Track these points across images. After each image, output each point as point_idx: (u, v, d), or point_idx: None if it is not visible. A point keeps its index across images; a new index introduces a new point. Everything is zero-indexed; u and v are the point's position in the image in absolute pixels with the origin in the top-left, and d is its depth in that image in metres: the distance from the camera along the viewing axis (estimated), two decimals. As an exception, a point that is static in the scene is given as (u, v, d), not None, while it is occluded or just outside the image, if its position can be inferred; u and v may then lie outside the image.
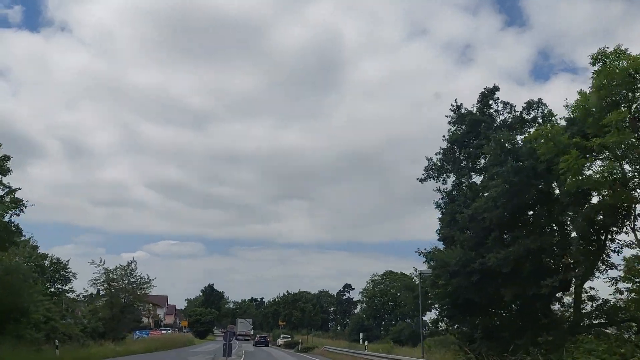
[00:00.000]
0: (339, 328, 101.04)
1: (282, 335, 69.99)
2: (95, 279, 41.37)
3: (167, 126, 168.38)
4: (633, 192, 15.08)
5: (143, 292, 46.24)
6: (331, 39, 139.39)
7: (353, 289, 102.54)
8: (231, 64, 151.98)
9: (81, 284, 77.10)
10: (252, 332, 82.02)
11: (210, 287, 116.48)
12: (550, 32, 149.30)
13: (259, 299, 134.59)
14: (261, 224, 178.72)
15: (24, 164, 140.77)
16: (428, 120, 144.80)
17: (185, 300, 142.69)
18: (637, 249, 15.56)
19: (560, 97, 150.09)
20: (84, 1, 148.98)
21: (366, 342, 38.74)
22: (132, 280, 45.21)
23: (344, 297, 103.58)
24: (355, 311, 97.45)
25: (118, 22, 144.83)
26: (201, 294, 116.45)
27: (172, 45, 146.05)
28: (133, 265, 45.29)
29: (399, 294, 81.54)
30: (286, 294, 78.80)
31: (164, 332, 76.88)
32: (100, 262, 41.70)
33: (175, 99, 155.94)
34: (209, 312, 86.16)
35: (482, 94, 21.20)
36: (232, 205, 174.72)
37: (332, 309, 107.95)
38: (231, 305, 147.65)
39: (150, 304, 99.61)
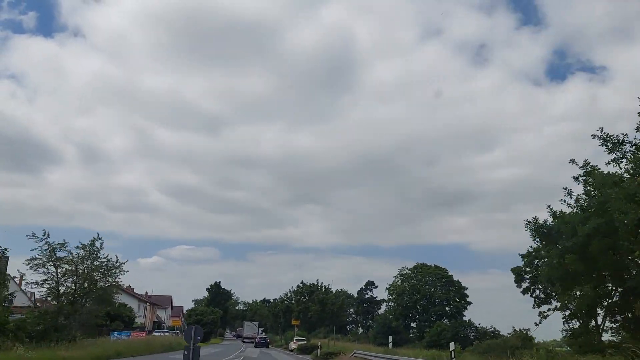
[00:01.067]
0: (360, 330, 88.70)
1: (295, 338, 58.01)
2: (35, 258, 29.92)
3: (181, 130, 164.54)
4: None
5: (110, 278, 34.71)
6: (344, 41, 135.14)
7: (376, 286, 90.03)
8: (244, 67, 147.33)
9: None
10: (259, 335, 77.60)
11: (217, 285, 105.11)
12: (566, 31, 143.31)
13: (271, 300, 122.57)
14: (276, 229, 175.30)
15: (40, 169, 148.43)
16: (443, 122, 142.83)
17: (193, 301, 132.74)
18: None
19: (578, 97, 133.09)
20: (97, 6, 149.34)
21: (453, 345, 24.53)
22: (96, 264, 33.90)
23: (366, 296, 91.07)
24: (380, 311, 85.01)
25: (131, 26, 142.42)
26: (207, 293, 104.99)
27: (184, 49, 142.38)
28: (98, 243, 33.92)
29: (433, 289, 69.34)
30: (300, 285, 63.50)
31: (158, 334, 65.87)
32: (44, 235, 30.36)
33: (188, 103, 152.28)
34: (212, 311, 74.38)
35: None
36: (247, 210, 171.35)
37: (351, 310, 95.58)
38: (241, 307, 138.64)
39: (147, 303, 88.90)
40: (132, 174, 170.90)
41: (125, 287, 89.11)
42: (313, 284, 56.40)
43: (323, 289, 53.27)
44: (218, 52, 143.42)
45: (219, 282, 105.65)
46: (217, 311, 76.68)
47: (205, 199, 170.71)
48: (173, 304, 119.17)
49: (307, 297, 54.78)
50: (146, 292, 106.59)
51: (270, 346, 71.72)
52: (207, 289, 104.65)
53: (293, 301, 59.43)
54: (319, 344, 42.24)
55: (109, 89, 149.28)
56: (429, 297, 68.99)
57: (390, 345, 59.39)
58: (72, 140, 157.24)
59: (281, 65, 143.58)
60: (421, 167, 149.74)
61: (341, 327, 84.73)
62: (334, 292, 56.87)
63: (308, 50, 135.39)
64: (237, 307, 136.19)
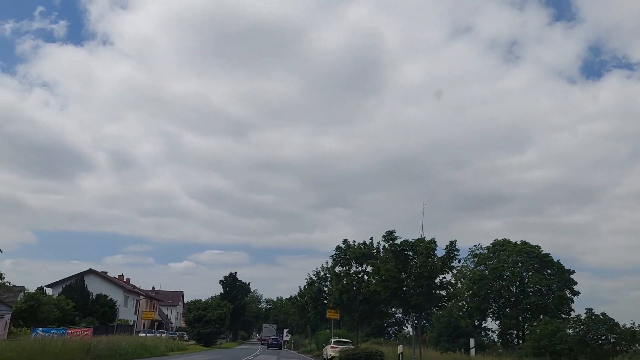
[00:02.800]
0: (410, 332, 69.20)
1: (332, 341, 38.10)
2: None
3: (208, 135, 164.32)
4: None
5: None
6: (370, 41, 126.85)
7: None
8: (269, 70, 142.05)
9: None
10: (273, 336, 73.40)
11: (232, 276, 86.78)
12: (602, 26, 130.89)
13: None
14: (304, 232, 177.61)
15: (73, 176, 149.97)
16: (472, 122, 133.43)
17: (209, 298, 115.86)
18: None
19: (614, 95, 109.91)
20: (124, 13, 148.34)
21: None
22: None
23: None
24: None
25: (157, 32, 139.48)
26: (221, 286, 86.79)
27: (210, 53, 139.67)
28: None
29: (525, 273, 49.32)
30: (343, 246, 33.46)
31: (146, 334, 48.29)
32: None
33: (215, 108, 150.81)
34: (219, 304, 55.94)
35: None
36: (275, 214, 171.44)
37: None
38: (264, 305, 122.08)
39: (141, 296, 70.67)
40: (161, 179, 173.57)
41: (115, 277, 72.60)
42: (364, 242, 31.09)
43: (389, 244, 24.81)
44: (243, 56, 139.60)
45: (235, 272, 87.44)
46: (227, 304, 57.95)
47: (233, 203, 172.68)
48: (184, 301, 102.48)
49: (355, 267, 29.67)
50: (152, 287, 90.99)
51: (282, 347, 66.89)
52: (221, 282, 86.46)
53: (328, 283, 36.35)
54: (400, 350, 22.07)
55: (137, 95, 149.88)
56: (518, 284, 49.13)
57: (472, 352, 40.44)
58: (103, 146, 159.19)
59: (306, 67, 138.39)
60: (450, 169, 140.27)
61: (380, 329, 65.53)
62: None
63: (333, 51, 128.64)
64: (259, 306, 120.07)
